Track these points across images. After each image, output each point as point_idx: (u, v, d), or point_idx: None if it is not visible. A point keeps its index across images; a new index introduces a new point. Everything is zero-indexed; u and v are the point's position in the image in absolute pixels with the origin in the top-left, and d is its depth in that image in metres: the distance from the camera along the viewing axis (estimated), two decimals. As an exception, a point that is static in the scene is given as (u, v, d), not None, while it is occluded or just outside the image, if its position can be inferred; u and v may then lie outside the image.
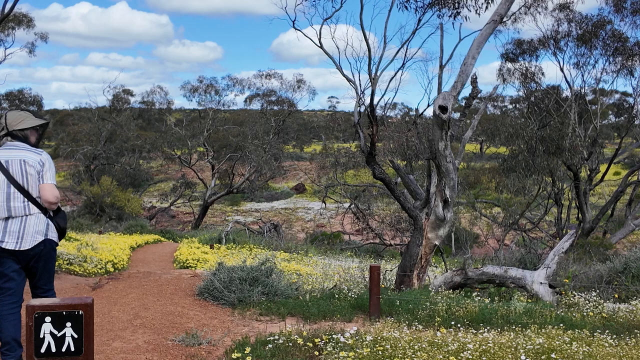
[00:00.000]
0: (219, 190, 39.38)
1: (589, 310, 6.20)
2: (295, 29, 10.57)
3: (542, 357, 4.22)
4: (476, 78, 7.98)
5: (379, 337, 4.63)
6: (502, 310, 6.01)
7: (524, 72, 25.99)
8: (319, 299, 6.98)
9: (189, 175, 42.34)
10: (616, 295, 7.78)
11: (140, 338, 5.26)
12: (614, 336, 5.07)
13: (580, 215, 23.67)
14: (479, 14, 10.88)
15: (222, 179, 40.63)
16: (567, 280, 8.37)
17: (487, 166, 39.27)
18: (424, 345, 4.41)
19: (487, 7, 10.87)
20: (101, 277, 9.72)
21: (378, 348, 4.34)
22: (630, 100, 34.74)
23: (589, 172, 24.28)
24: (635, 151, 33.73)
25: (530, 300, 7.01)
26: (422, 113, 11.69)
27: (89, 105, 44.26)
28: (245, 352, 4.57)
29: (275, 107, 45.91)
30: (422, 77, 28.29)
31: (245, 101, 47.62)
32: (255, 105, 48.05)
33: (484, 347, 4.37)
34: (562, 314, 6.05)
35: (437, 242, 8.57)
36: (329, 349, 4.52)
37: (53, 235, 4.26)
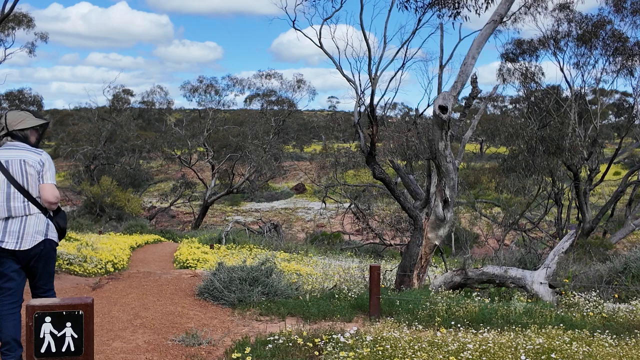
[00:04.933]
0: (219, 190, 39.34)
1: (589, 310, 6.20)
2: (295, 29, 10.57)
3: (542, 357, 4.22)
4: (476, 78, 7.98)
5: (379, 337, 4.64)
6: (502, 310, 6.01)
7: (524, 72, 25.99)
8: (319, 299, 6.98)
9: (189, 175, 42.29)
10: (616, 295, 7.78)
11: (140, 338, 5.26)
12: (614, 336, 5.07)
13: (580, 215, 23.67)
14: (479, 14, 10.88)
15: (222, 179, 40.59)
16: (567, 280, 8.37)
17: (487, 166, 39.24)
18: (424, 345, 4.41)
19: (487, 7, 10.87)
20: (101, 277, 9.72)
21: (378, 348, 4.35)
22: (630, 100, 34.73)
23: (589, 172, 24.28)
24: (635, 151, 33.73)
25: (530, 300, 7.02)
26: (422, 113, 11.70)
27: (89, 105, 44.23)
28: (245, 352, 4.57)
29: (275, 107, 45.89)
30: (422, 77, 28.30)
31: (245, 101, 47.58)
32: (255, 105, 48.02)
33: (484, 347, 4.38)
34: (562, 314, 6.05)
35: (437, 242, 8.58)
36: (329, 349, 4.52)
37: (53, 235, 4.26)
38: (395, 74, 10.05)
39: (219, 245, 19.98)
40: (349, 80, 9.80)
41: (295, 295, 7.19)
